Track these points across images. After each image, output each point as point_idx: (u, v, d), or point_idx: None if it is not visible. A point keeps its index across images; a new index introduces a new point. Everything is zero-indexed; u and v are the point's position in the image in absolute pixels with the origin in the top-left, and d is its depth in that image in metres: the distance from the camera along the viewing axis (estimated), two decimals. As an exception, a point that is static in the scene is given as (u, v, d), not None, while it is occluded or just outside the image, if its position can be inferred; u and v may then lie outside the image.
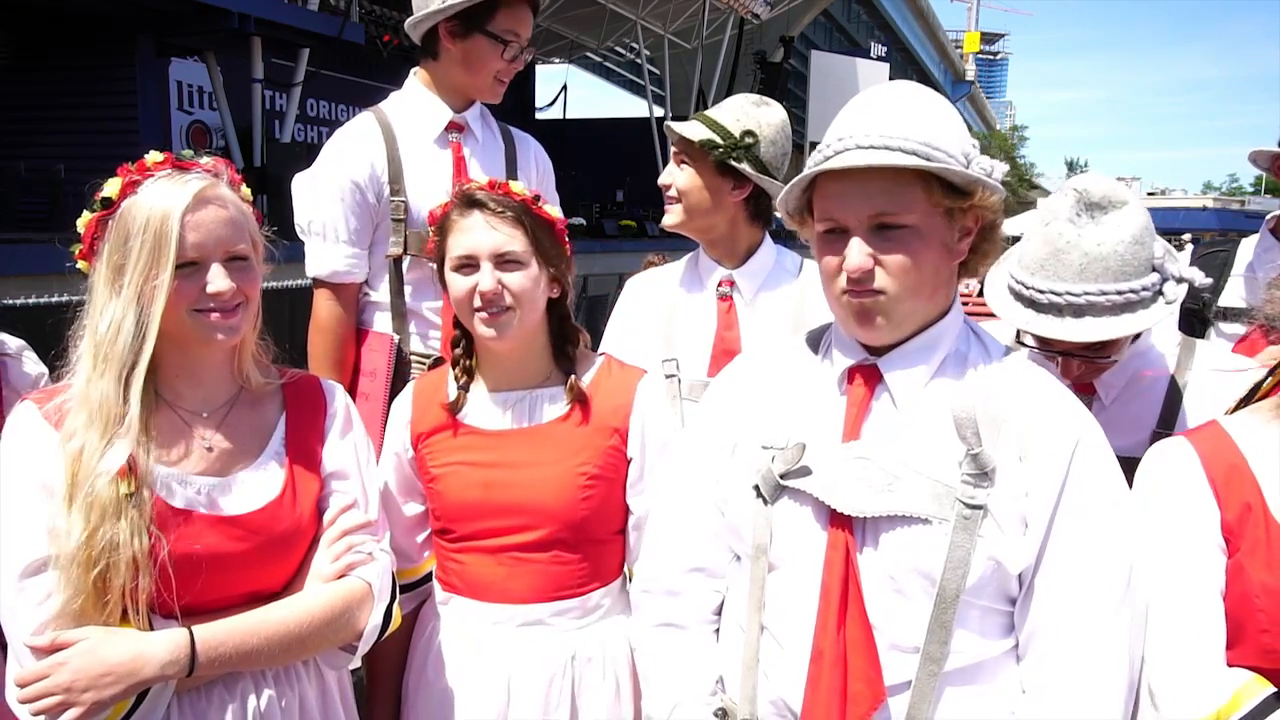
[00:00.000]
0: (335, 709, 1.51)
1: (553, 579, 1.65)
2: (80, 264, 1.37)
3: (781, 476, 1.31)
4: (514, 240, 1.62)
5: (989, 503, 1.24)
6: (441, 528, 1.73)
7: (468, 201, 1.64)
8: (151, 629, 1.28)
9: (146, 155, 1.38)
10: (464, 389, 1.72)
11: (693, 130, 2.05)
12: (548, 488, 1.64)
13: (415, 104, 2.29)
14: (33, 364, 1.68)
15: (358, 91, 17.24)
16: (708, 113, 2.11)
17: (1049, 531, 1.27)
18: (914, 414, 1.32)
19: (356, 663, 1.50)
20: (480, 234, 1.62)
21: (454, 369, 1.75)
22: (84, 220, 1.36)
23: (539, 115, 22.66)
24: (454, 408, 1.71)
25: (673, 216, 2.14)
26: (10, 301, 4.13)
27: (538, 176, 2.48)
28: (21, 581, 1.26)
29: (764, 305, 2.13)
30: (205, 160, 1.38)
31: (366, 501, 1.53)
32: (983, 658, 1.28)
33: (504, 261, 1.62)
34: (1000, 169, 1.30)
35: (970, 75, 62.41)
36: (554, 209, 1.71)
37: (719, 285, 2.14)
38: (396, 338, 2.24)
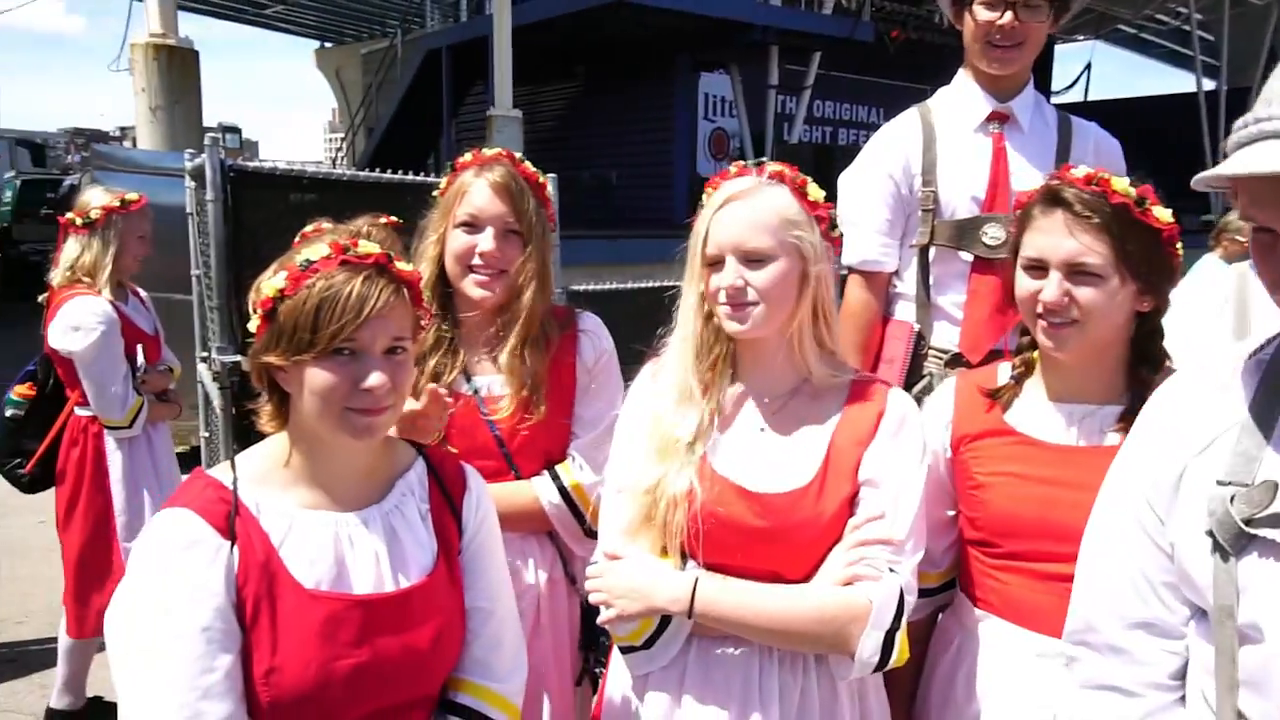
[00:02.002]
0: (842, 717, 1.46)
1: None
2: None
3: (1246, 522, 1.02)
4: (1093, 251, 1.44)
5: None
6: (981, 539, 1.59)
7: (1052, 198, 1.49)
8: (683, 568, 1.47)
9: (730, 166, 1.52)
10: (1016, 380, 1.62)
11: None
12: None
13: (958, 96, 2.28)
14: (596, 340, 1.93)
15: (862, 90, 17.53)
16: None
17: None
18: None
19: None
20: (1055, 240, 1.47)
21: (1013, 367, 1.65)
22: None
23: (1055, 99, 20.79)
24: (996, 395, 1.62)
25: None
26: (576, 288, 5.02)
27: (1095, 165, 2.28)
28: (614, 497, 1.57)
29: None
30: (771, 166, 1.49)
31: (896, 518, 1.43)
32: None
33: (1077, 273, 1.46)
34: None
35: None
36: (1163, 212, 1.48)
37: None
38: (917, 326, 2.27)
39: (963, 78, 2.28)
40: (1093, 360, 1.51)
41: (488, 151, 1.84)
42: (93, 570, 3.08)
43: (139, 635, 1.15)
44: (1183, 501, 1.12)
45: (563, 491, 1.84)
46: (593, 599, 1.49)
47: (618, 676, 1.59)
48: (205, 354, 4.03)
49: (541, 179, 1.88)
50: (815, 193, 1.46)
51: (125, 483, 3.09)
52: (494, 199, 1.76)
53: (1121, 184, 1.46)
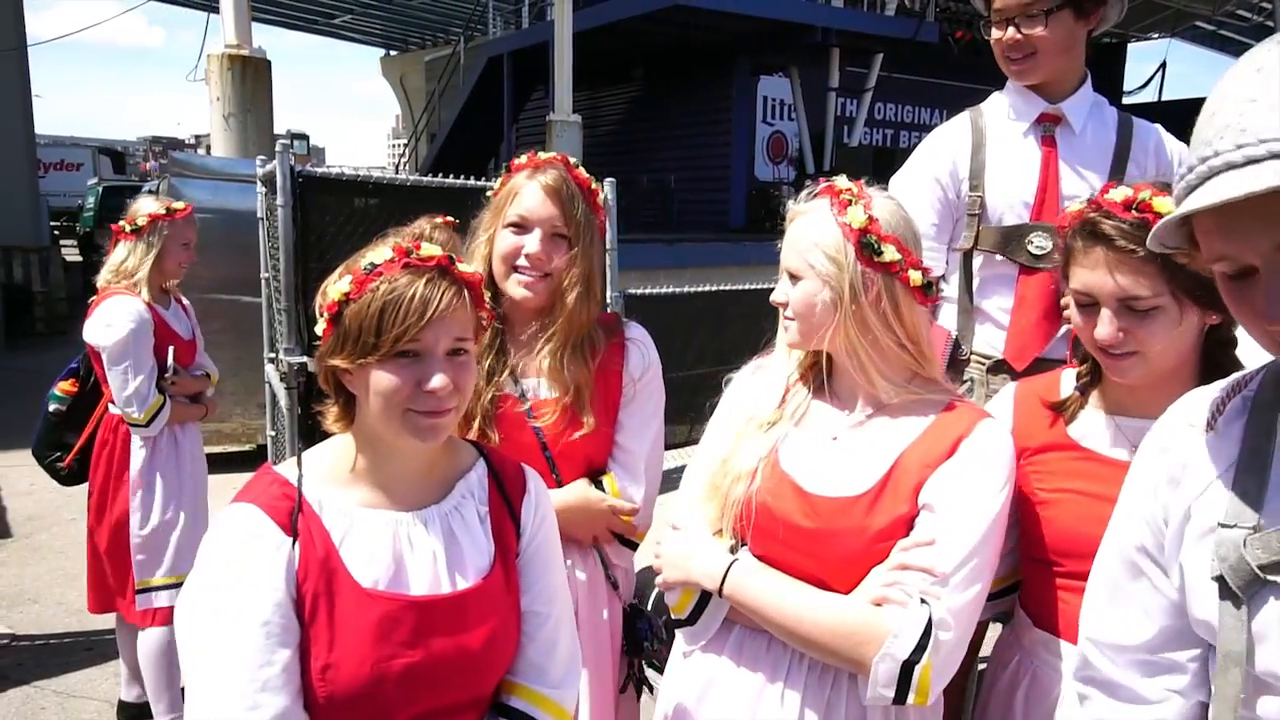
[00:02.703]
0: None
1: None
2: None
3: (1261, 569, 0.95)
4: (1140, 286, 1.35)
5: None
6: (1043, 558, 1.53)
7: (1090, 232, 1.39)
8: (734, 552, 1.49)
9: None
10: (1082, 391, 1.56)
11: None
12: None
13: (1009, 100, 2.25)
14: (644, 350, 1.90)
15: (926, 92, 17.29)
16: None
17: None
18: None
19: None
20: (1099, 278, 1.37)
21: (1078, 376, 1.58)
22: None
23: (1127, 99, 20.23)
24: (1060, 408, 1.56)
25: None
26: (633, 291, 5.02)
27: (1156, 171, 2.19)
28: (693, 469, 1.58)
29: None
30: (840, 184, 1.48)
31: (946, 548, 1.35)
32: None
33: (1129, 309, 1.37)
34: None
35: None
36: None
37: None
38: (954, 333, 2.22)
39: (1013, 83, 2.25)
40: (1160, 380, 1.44)
41: (542, 155, 1.85)
42: (114, 561, 3.18)
43: (202, 627, 1.18)
44: (1188, 545, 1.06)
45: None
46: (653, 564, 1.55)
47: (673, 678, 1.60)
48: (273, 355, 4.15)
49: (594, 185, 1.88)
50: (853, 217, 1.41)
51: (143, 480, 3.14)
52: (545, 201, 1.77)
53: (1165, 204, 1.33)
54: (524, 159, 1.85)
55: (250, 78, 9.41)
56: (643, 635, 1.90)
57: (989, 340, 2.22)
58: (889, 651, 1.30)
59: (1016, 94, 2.23)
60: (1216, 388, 1.13)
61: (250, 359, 5.08)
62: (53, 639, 3.96)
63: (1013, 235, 2.14)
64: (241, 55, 9.39)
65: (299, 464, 1.30)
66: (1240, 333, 1.50)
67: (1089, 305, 1.42)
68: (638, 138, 16.51)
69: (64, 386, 3.25)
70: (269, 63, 9.72)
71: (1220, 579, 0.99)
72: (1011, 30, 2.11)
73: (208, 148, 10.90)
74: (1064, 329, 2.13)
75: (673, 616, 1.55)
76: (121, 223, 3.15)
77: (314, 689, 1.19)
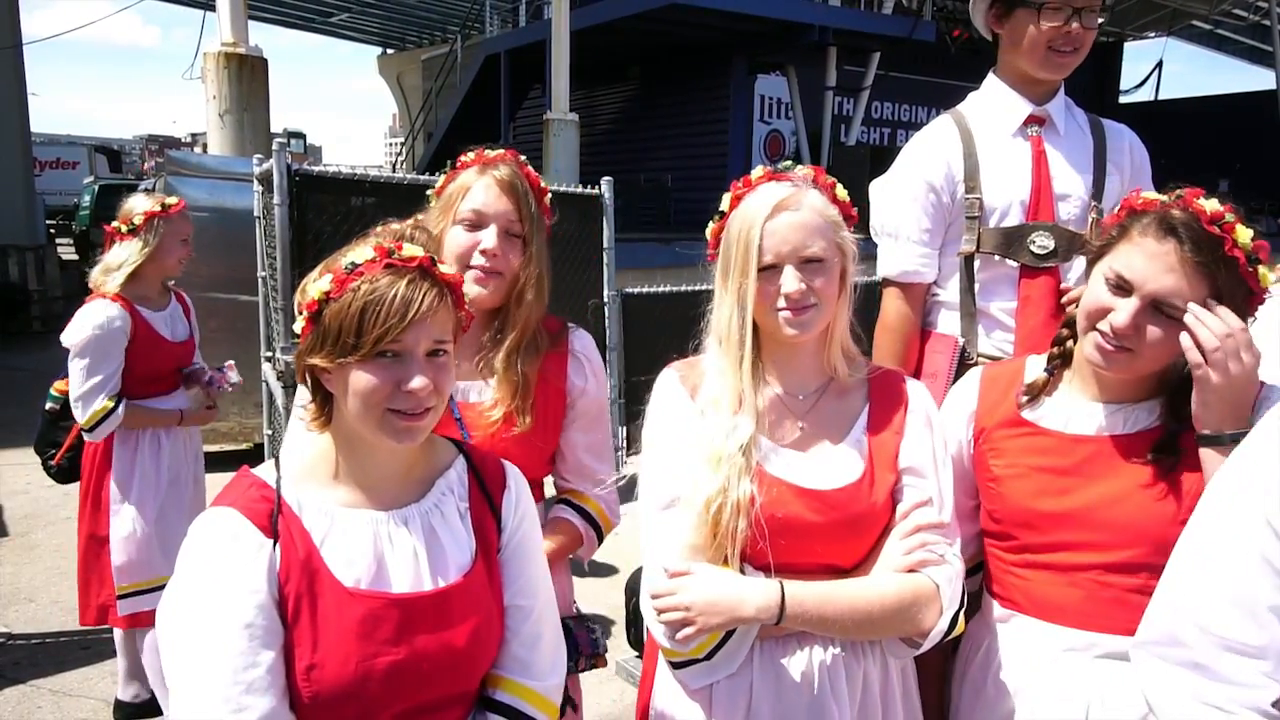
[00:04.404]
0: (893, 696, 1.50)
1: (1138, 609, 1.39)
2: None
3: None
4: (1189, 296, 1.37)
5: None
6: (1000, 533, 1.59)
7: (1167, 227, 1.40)
8: (743, 575, 1.45)
9: (752, 170, 1.55)
10: (1050, 374, 1.60)
11: None
12: (1137, 503, 1.44)
13: (993, 100, 2.23)
14: (588, 363, 1.87)
15: (923, 90, 17.28)
16: None
17: None
18: None
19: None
20: (1156, 269, 1.39)
21: (1049, 359, 1.61)
22: (710, 229, 1.58)
23: (1124, 99, 20.27)
24: (1030, 390, 1.60)
25: None
26: (630, 290, 5.01)
27: (1131, 171, 2.22)
28: (665, 514, 1.48)
29: None
30: (800, 170, 1.50)
31: (941, 503, 1.48)
32: None
33: (1158, 309, 1.39)
34: None
35: None
36: (1267, 273, 1.40)
37: None
38: (962, 340, 2.20)
39: (995, 82, 2.23)
40: (1134, 378, 1.49)
41: (490, 152, 1.80)
42: (91, 564, 3.17)
43: (184, 630, 1.17)
44: None
45: (590, 519, 1.87)
46: (665, 618, 1.44)
47: (664, 691, 1.57)
48: (270, 353, 4.15)
49: (543, 185, 1.84)
50: (843, 193, 1.49)
51: (121, 482, 3.12)
52: (500, 196, 1.73)
53: (1244, 236, 1.37)
54: (470, 156, 1.79)
55: (247, 76, 9.40)
56: (583, 649, 1.80)
57: (994, 343, 2.20)
58: (948, 605, 1.43)
59: (1001, 95, 2.22)
60: None
61: (247, 358, 5.06)
62: (49, 638, 3.95)
63: (1014, 236, 2.14)
64: (238, 53, 9.37)
65: (276, 466, 1.29)
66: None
67: (1120, 289, 1.43)
68: (635, 136, 16.51)
69: (59, 385, 3.24)
70: (265, 61, 9.70)
71: None
72: (1076, 23, 2.07)
73: (204, 146, 10.87)
74: None
75: (679, 659, 1.47)
76: (116, 223, 3.13)
77: (299, 689, 1.18)
